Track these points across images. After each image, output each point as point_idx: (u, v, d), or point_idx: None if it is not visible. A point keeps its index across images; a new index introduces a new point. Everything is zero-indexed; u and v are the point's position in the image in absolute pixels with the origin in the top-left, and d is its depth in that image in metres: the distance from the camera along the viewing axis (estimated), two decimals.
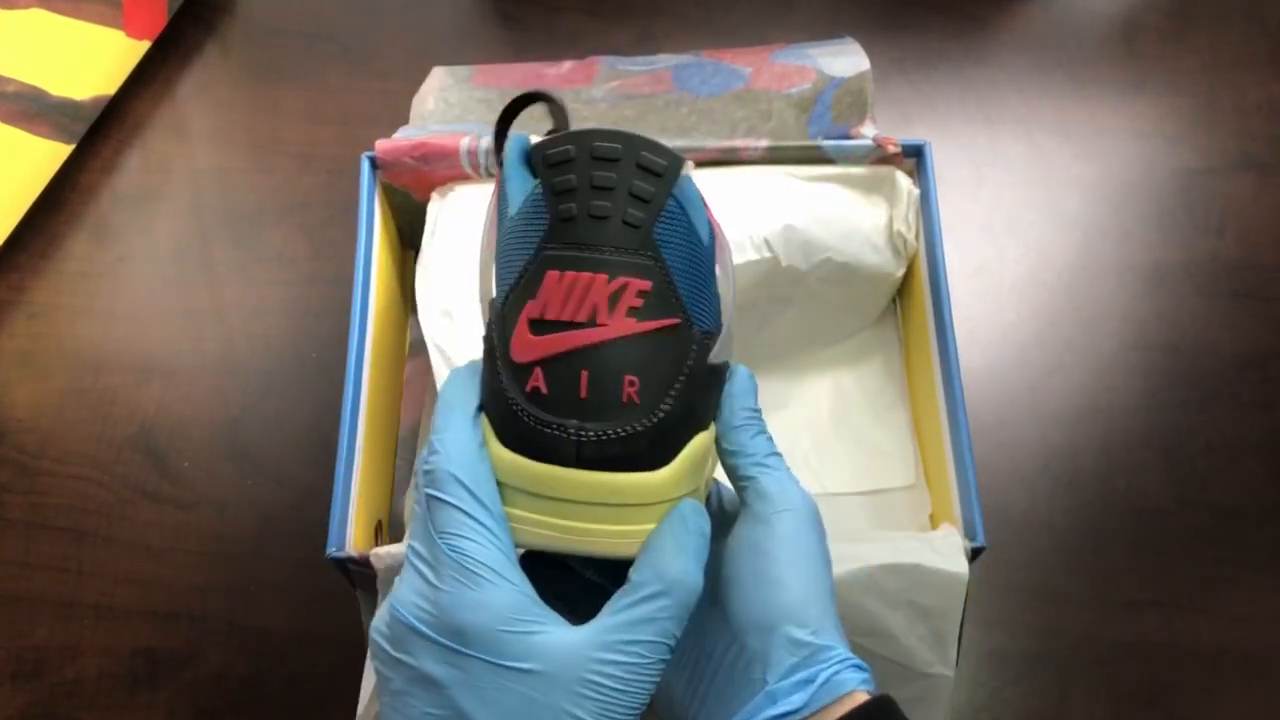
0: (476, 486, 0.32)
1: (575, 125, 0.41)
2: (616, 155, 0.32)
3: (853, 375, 0.59)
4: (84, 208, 0.70)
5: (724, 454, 0.36)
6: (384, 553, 0.45)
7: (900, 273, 0.56)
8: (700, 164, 0.54)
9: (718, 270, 0.35)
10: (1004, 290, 0.65)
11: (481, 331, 0.51)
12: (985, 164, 0.69)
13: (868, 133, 0.55)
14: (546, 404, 0.32)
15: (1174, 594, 0.57)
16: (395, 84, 0.68)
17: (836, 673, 0.33)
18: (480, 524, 0.32)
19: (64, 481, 0.61)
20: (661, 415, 0.32)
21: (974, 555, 0.46)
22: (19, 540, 0.60)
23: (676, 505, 0.33)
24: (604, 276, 0.32)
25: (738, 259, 0.52)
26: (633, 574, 0.33)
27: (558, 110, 0.40)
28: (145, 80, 0.73)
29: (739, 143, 0.54)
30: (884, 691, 0.34)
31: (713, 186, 0.52)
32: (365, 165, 0.55)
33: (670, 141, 0.55)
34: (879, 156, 0.54)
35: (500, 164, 0.41)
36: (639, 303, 0.32)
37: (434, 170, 0.55)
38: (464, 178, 0.56)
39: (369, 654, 0.41)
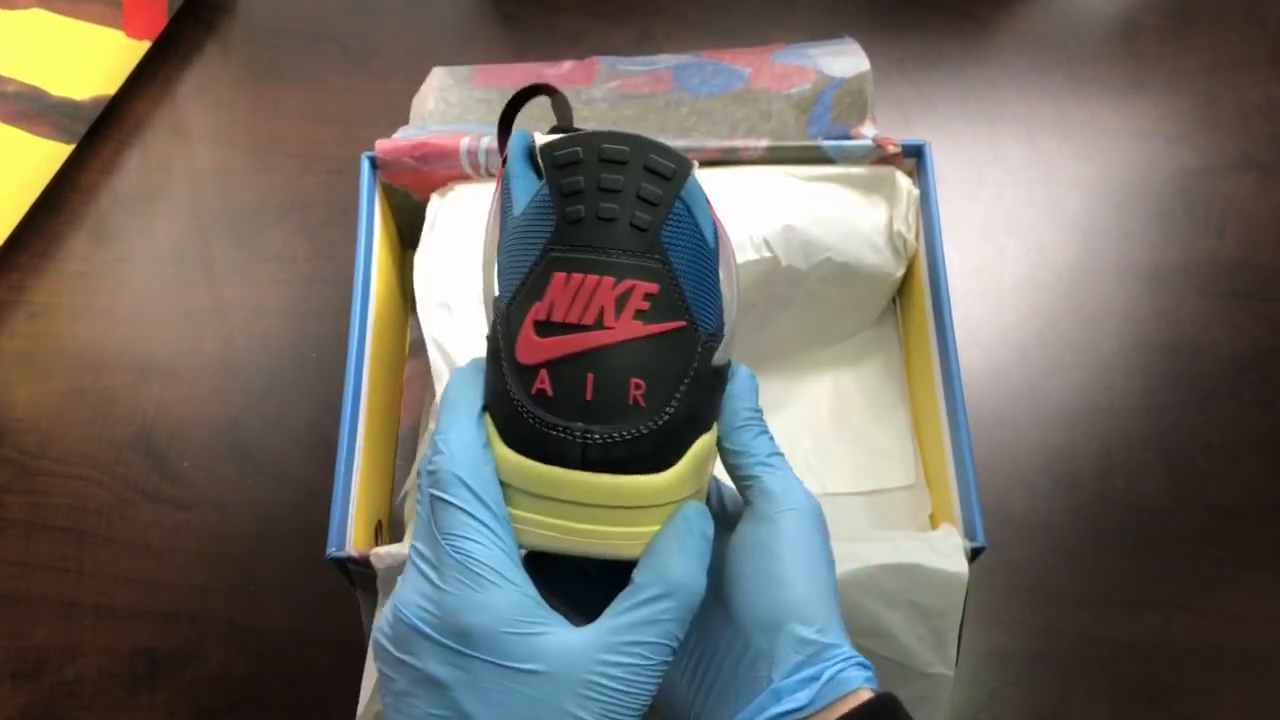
0: (480, 488, 0.32)
1: (575, 125, 0.41)
2: (624, 158, 0.32)
3: (853, 375, 0.59)
4: (84, 208, 0.70)
5: (726, 454, 0.36)
6: (384, 553, 0.45)
7: (900, 273, 0.56)
8: (700, 164, 0.54)
9: (721, 271, 0.35)
10: (1004, 290, 0.65)
11: (481, 326, 0.51)
12: (985, 164, 0.69)
13: (868, 133, 0.55)
14: (552, 406, 0.32)
15: (1174, 594, 0.57)
16: (395, 84, 0.68)
17: (841, 670, 0.33)
18: (484, 525, 0.32)
19: (64, 481, 0.61)
20: (667, 418, 0.32)
21: (974, 555, 0.46)
22: (19, 540, 0.60)
23: (681, 507, 0.33)
24: (611, 279, 0.32)
25: (738, 259, 0.52)
26: (636, 575, 0.33)
27: (561, 105, 0.40)
28: (145, 80, 0.73)
29: (739, 143, 0.54)
30: (886, 690, 0.34)
31: (713, 186, 0.52)
32: (365, 165, 0.55)
33: (670, 141, 0.55)
34: (879, 156, 0.54)
35: (503, 161, 0.41)
36: (645, 306, 0.32)
37: (434, 170, 0.55)
38: (464, 178, 0.56)
39: (370, 654, 0.41)
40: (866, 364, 0.59)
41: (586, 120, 0.58)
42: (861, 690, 0.33)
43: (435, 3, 0.77)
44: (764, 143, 0.54)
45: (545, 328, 0.32)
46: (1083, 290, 0.65)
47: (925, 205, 0.55)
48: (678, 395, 0.33)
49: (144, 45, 0.72)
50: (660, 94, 0.59)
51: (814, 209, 0.54)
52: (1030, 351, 0.63)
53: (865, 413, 0.58)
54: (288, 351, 0.65)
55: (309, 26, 0.76)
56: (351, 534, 0.48)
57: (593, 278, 0.32)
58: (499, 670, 0.31)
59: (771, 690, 0.33)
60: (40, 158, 0.67)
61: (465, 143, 0.54)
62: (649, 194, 0.32)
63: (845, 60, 0.58)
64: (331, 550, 0.47)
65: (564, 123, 0.40)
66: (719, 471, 0.37)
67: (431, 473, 0.33)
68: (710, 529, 0.34)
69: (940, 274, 0.53)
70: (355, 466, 0.50)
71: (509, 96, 0.41)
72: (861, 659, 0.34)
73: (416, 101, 0.61)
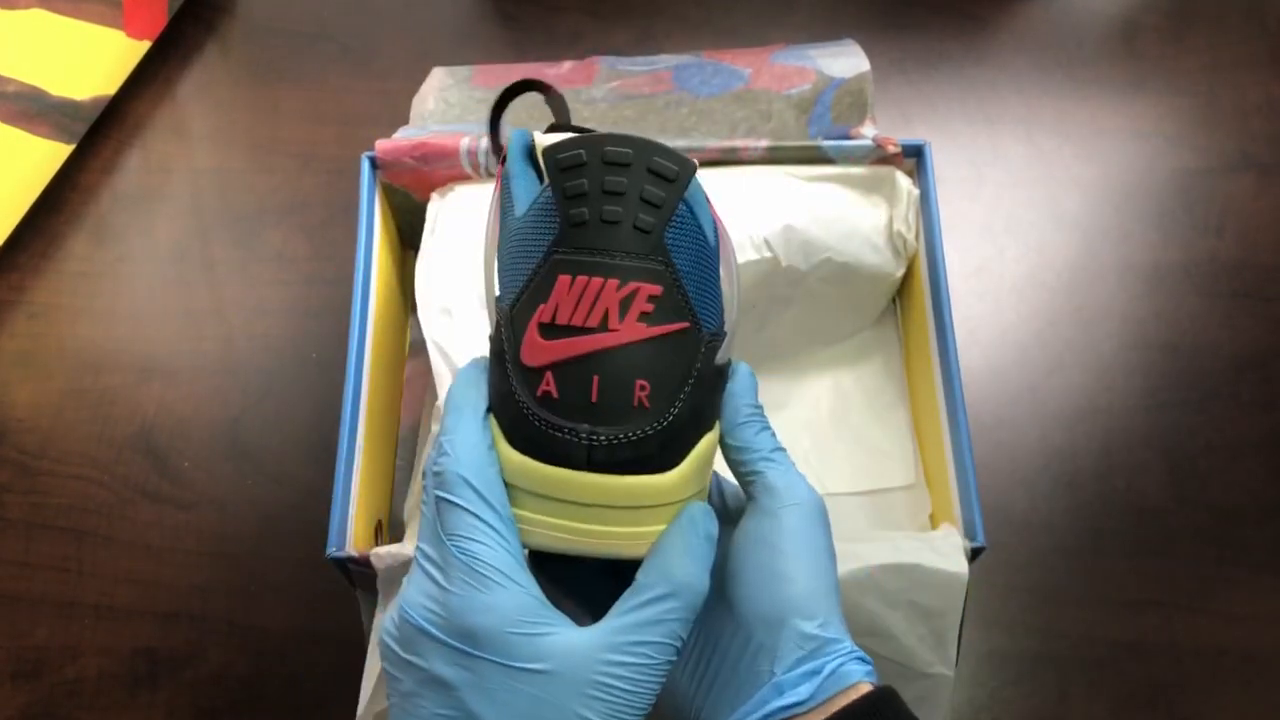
0: (485, 489, 0.32)
1: (576, 124, 0.41)
2: (628, 160, 0.32)
3: (853, 375, 0.59)
4: (84, 208, 0.70)
5: (729, 450, 0.37)
6: (384, 553, 0.45)
7: (900, 273, 0.56)
8: (700, 164, 0.54)
9: (722, 270, 0.35)
10: (1004, 290, 0.65)
11: (482, 329, 0.51)
12: (985, 164, 0.69)
13: (868, 133, 0.55)
14: (557, 408, 0.32)
15: (1174, 594, 0.57)
16: (395, 84, 0.68)
17: (842, 664, 0.34)
18: (489, 526, 0.32)
19: (64, 481, 0.61)
20: (671, 418, 0.33)
21: (974, 555, 0.46)
22: (19, 540, 0.60)
23: (686, 508, 0.34)
24: (615, 281, 0.32)
25: (738, 259, 0.52)
26: (641, 575, 0.33)
27: (557, 103, 0.40)
28: (145, 80, 0.73)
29: (739, 143, 0.54)
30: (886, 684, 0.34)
31: (713, 186, 0.52)
32: (365, 165, 0.55)
33: (670, 142, 0.55)
34: (879, 157, 0.54)
35: (497, 154, 0.41)
36: (650, 308, 0.32)
37: (434, 170, 0.55)
38: (464, 178, 0.56)
39: (379, 655, 0.41)
40: (866, 364, 0.59)
41: (586, 120, 0.58)
42: (861, 684, 0.34)
43: (435, 3, 0.77)
44: (764, 143, 0.54)
45: (550, 330, 0.32)
46: (1083, 290, 0.65)
47: (925, 205, 0.55)
48: (682, 396, 0.33)
49: (144, 45, 0.72)
50: (660, 94, 0.59)
51: (814, 209, 0.54)
52: (1030, 351, 0.63)
53: (865, 413, 0.58)
54: (288, 351, 0.65)
55: (309, 26, 0.76)
56: (351, 534, 0.48)
57: (597, 280, 0.32)
58: (505, 670, 0.31)
59: (773, 684, 0.33)
60: (40, 158, 0.67)
61: (465, 143, 0.54)
62: (652, 196, 0.32)
63: (845, 61, 0.58)
64: (331, 550, 0.47)
65: (562, 120, 0.40)
66: (720, 467, 0.38)
67: (437, 474, 0.33)
68: (715, 529, 0.34)
69: (940, 274, 0.53)
70: (355, 466, 0.50)
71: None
72: (862, 654, 0.34)
73: (416, 101, 0.61)
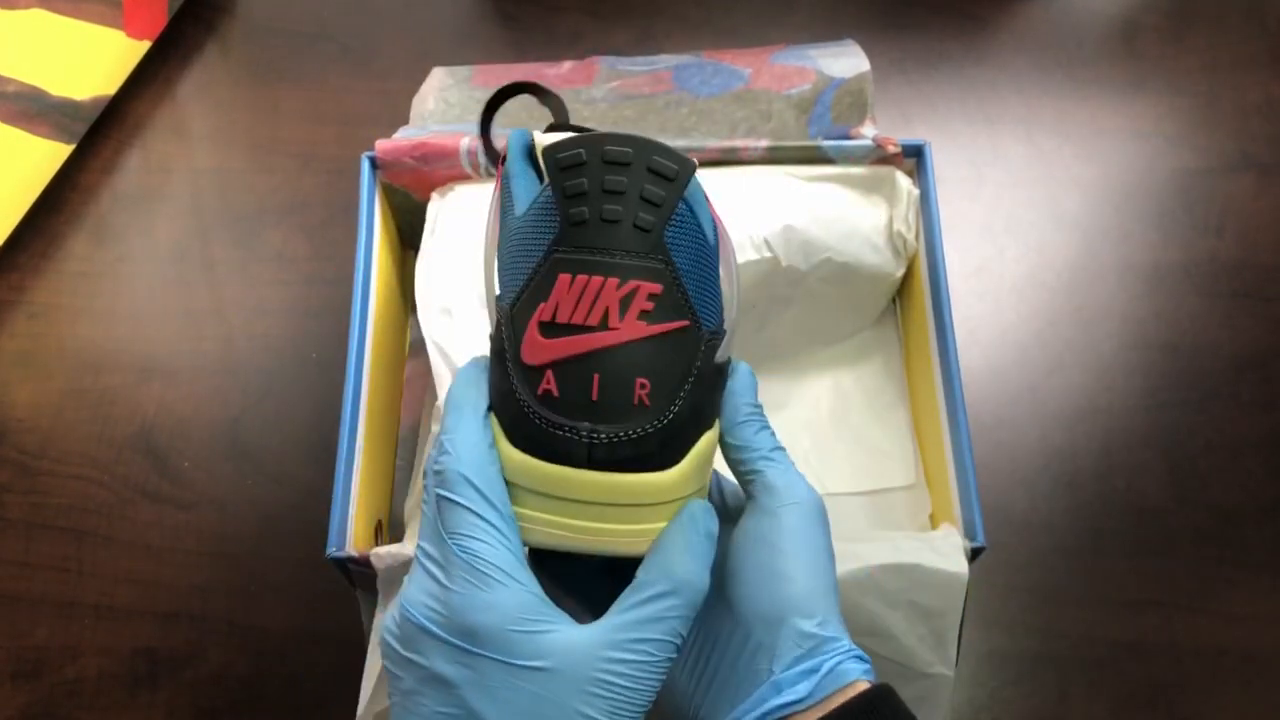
0: (486, 487, 0.33)
1: (576, 124, 0.41)
2: (628, 159, 0.32)
3: (853, 375, 0.59)
4: (84, 208, 0.70)
5: (729, 449, 0.37)
6: (384, 553, 0.45)
7: (900, 273, 0.56)
8: (700, 164, 0.54)
9: (721, 269, 0.35)
10: (1004, 290, 0.65)
11: (481, 328, 0.51)
12: (985, 164, 0.69)
13: (868, 133, 0.55)
14: (558, 406, 0.32)
15: (1174, 594, 0.57)
16: (395, 84, 0.68)
17: (840, 662, 0.34)
18: (490, 525, 0.32)
19: (64, 481, 0.61)
20: (671, 416, 0.33)
21: (974, 555, 0.46)
22: (19, 540, 0.60)
23: (687, 505, 0.34)
24: (615, 280, 0.32)
25: (738, 259, 0.52)
26: (641, 573, 0.33)
27: (555, 103, 0.40)
28: (145, 80, 0.73)
29: (739, 143, 0.54)
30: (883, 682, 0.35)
31: (713, 186, 0.52)
32: (365, 165, 0.55)
33: (670, 141, 0.55)
34: (879, 157, 0.54)
35: (489, 157, 0.41)
36: (650, 306, 0.32)
37: (434, 170, 0.55)
38: (464, 178, 0.56)
39: (379, 654, 0.41)
40: (866, 364, 0.59)
41: (586, 120, 0.58)
42: (859, 682, 0.34)
43: (435, 3, 0.77)
44: (764, 143, 0.54)
45: (550, 329, 0.32)
46: (1083, 290, 0.65)
47: (925, 205, 0.55)
48: (682, 394, 0.33)
49: (144, 45, 0.72)
50: (660, 94, 0.59)
51: (814, 209, 0.54)
52: (1030, 351, 0.63)
53: (865, 413, 0.58)
54: (288, 351, 0.65)
55: (309, 26, 0.76)
56: (351, 534, 0.48)
57: (597, 279, 0.32)
58: (506, 668, 0.31)
59: (772, 682, 0.34)
60: (40, 158, 0.67)
61: (465, 143, 0.54)
62: (652, 195, 0.32)
63: (845, 61, 0.58)
64: (331, 550, 0.47)
65: (560, 119, 0.40)
66: (720, 466, 0.38)
67: (438, 473, 0.33)
68: (715, 527, 0.34)
69: (940, 274, 0.53)
70: (355, 466, 0.50)
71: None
72: (860, 652, 0.35)
73: (416, 101, 0.61)
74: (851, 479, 0.56)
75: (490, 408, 0.35)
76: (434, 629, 0.32)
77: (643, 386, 0.32)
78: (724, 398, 0.36)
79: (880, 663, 0.45)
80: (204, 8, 0.76)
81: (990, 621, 0.57)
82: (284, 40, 0.75)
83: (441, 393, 0.50)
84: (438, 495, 0.33)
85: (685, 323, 0.33)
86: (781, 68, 0.59)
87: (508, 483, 0.33)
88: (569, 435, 0.32)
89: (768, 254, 0.53)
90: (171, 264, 0.68)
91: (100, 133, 0.71)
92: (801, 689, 0.33)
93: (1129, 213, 0.68)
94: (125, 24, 0.70)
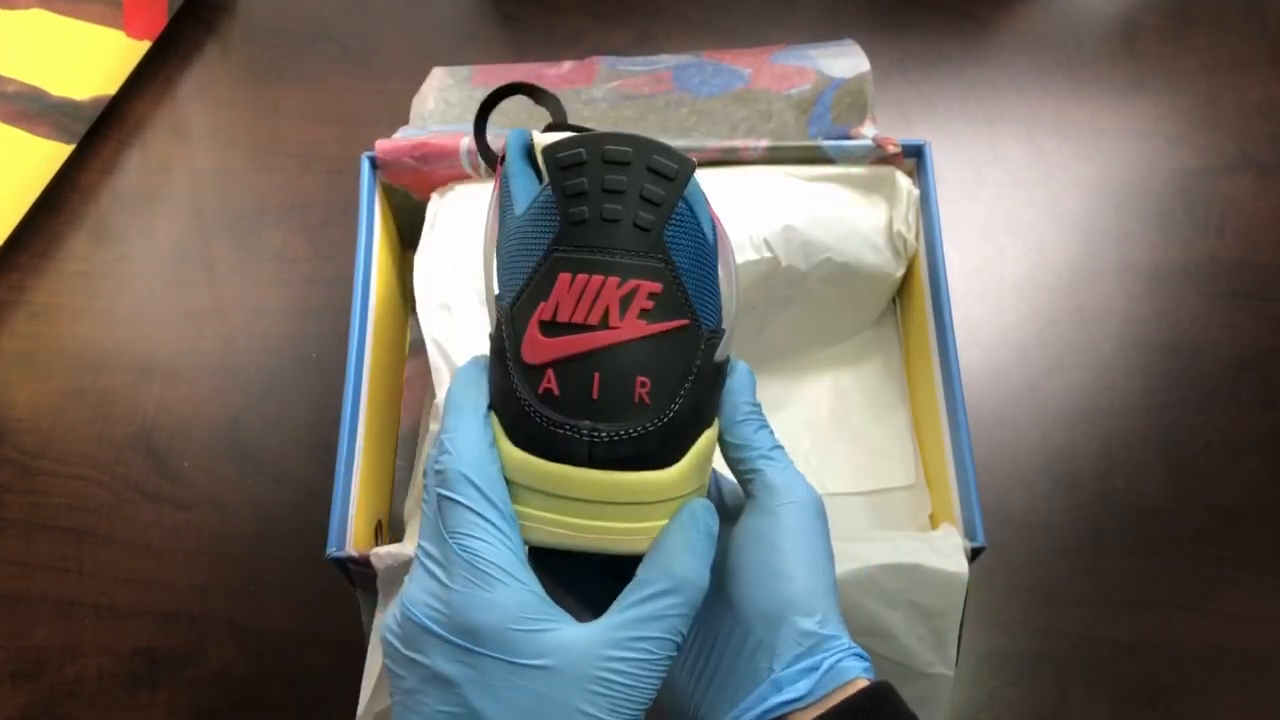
0: (487, 486, 0.33)
1: (575, 124, 0.41)
2: (628, 159, 0.32)
3: (853, 375, 0.59)
4: (84, 208, 0.70)
5: (728, 448, 0.37)
6: (384, 553, 0.45)
7: (900, 273, 0.56)
8: (700, 164, 0.54)
9: (720, 268, 0.35)
10: (1004, 290, 0.65)
11: (480, 326, 0.51)
12: (985, 164, 0.69)
13: (868, 133, 0.55)
14: (559, 405, 0.32)
15: (1174, 594, 0.57)
16: (395, 84, 0.68)
17: (840, 660, 0.34)
18: (491, 524, 0.32)
19: (64, 481, 0.61)
20: (672, 415, 0.33)
21: (974, 555, 0.46)
22: (19, 540, 0.60)
23: (687, 504, 0.34)
24: (615, 279, 0.32)
25: (738, 259, 0.52)
26: (641, 571, 0.33)
27: (552, 103, 0.40)
28: (145, 80, 0.73)
29: (739, 143, 0.54)
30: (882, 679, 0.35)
31: (713, 186, 0.52)
32: (365, 165, 0.55)
33: (670, 142, 0.55)
34: (879, 157, 0.54)
35: (484, 158, 0.41)
36: (650, 305, 0.32)
37: (434, 170, 0.55)
38: (464, 178, 0.56)
39: (380, 653, 0.41)
40: (866, 364, 0.59)
41: (586, 120, 0.58)
42: (859, 679, 0.34)
43: (435, 3, 0.77)
44: (764, 143, 0.54)
45: (551, 328, 0.32)
46: (1083, 290, 0.65)
47: (925, 205, 0.55)
48: (682, 392, 0.33)
49: (144, 45, 0.72)
50: (660, 94, 0.59)
51: (814, 209, 0.54)
52: (1030, 351, 0.63)
53: (865, 413, 0.58)
54: (288, 351, 0.65)
55: (309, 26, 0.76)
56: (351, 534, 0.48)
57: (597, 278, 0.32)
58: (507, 667, 0.31)
59: (772, 680, 0.34)
60: (40, 158, 0.67)
61: (465, 143, 0.54)
62: (652, 194, 0.32)
63: (845, 61, 0.58)
64: (331, 550, 0.47)
65: (558, 119, 0.40)
66: (719, 464, 0.38)
67: (439, 472, 0.33)
68: (716, 525, 0.34)
69: (940, 274, 0.53)
70: (355, 466, 0.50)
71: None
72: (859, 650, 0.35)
73: (416, 101, 0.61)
74: (851, 479, 0.56)
75: (491, 407, 0.35)
76: (435, 628, 0.32)
77: (643, 385, 0.32)
78: (723, 396, 0.37)
79: (880, 663, 0.45)
80: (204, 8, 0.76)
81: (990, 621, 0.57)
82: (284, 40, 0.75)
83: (440, 389, 0.50)
84: (438, 495, 0.33)
85: (685, 321, 0.33)
86: (781, 68, 0.59)
87: (508, 481, 0.33)
88: (570, 434, 0.32)
89: (767, 254, 0.53)
90: (171, 264, 0.68)
91: (100, 133, 0.71)
92: (801, 686, 0.33)
93: (1129, 213, 0.68)
94: (125, 24, 0.70)
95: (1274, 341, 0.64)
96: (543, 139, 0.37)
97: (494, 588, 0.31)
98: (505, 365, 0.34)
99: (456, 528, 0.32)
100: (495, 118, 0.42)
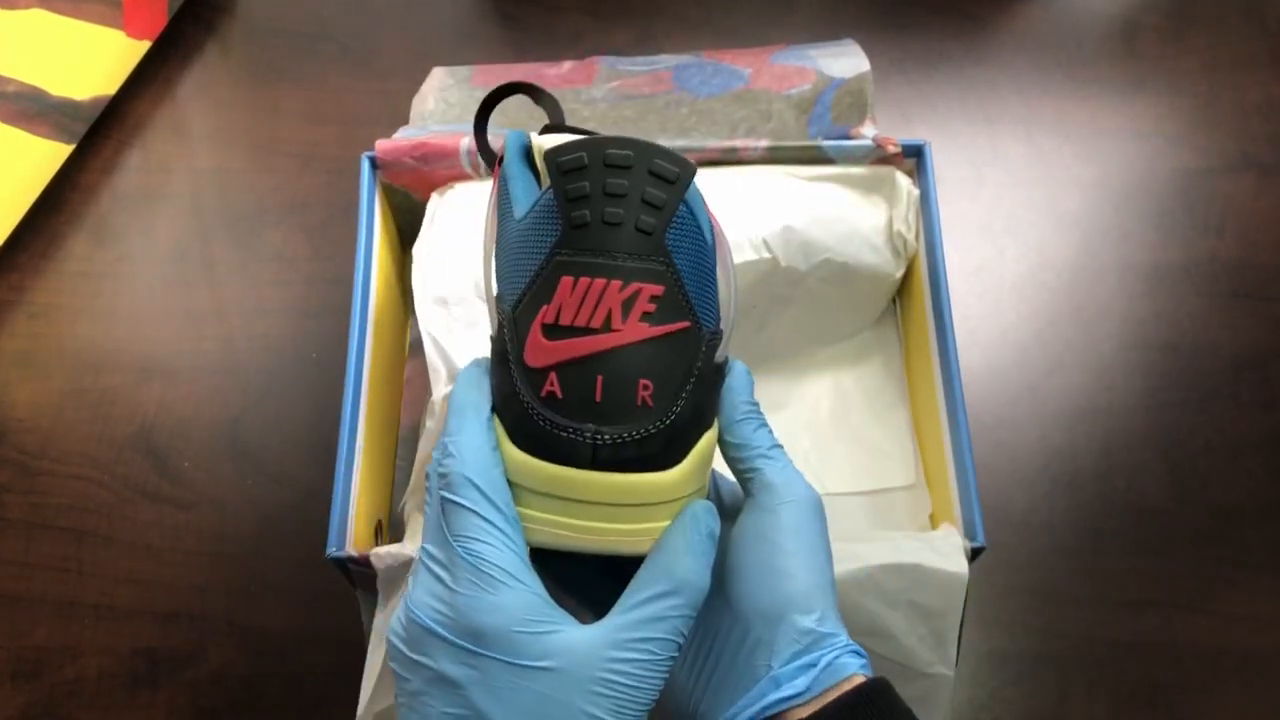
0: (491, 490, 0.33)
1: (573, 124, 0.41)
2: (629, 163, 0.33)
3: (853, 375, 0.59)
4: (84, 208, 0.70)
5: (728, 447, 0.37)
6: (384, 553, 0.45)
7: (900, 273, 0.56)
8: (700, 164, 0.54)
9: (719, 269, 0.35)
10: (1004, 290, 0.65)
11: (477, 319, 0.51)
12: (985, 164, 0.69)
13: (868, 133, 0.55)
14: (561, 408, 0.33)
15: (1174, 594, 0.57)
16: (395, 84, 0.68)
17: (838, 657, 0.34)
18: (495, 527, 0.33)
19: (64, 481, 0.61)
20: (674, 416, 0.33)
21: (974, 555, 0.46)
22: (19, 540, 0.60)
23: (689, 505, 0.34)
24: (618, 282, 0.32)
25: (737, 259, 0.52)
26: (643, 572, 0.33)
27: (550, 103, 0.40)
28: (145, 80, 0.73)
29: (739, 143, 0.54)
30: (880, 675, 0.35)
31: (712, 186, 0.52)
32: (365, 165, 0.55)
33: (670, 141, 0.55)
34: (879, 157, 0.54)
35: (484, 158, 0.41)
36: (652, 308, 0.33)
37: (434, 170, 0.55)
38: (464, 177, 0.56)
39: (383, 655, 0.41)
40: (866, 364, 0.59)
41: (586, 120, 0.58)
42: (856, 676, 0.34)
43: (435, 3, 0.77)
44: (764, 143, 0.54)
45: (553, 331, 0.33)
46: (1083, 290, 0.65)
47: (925, 205, 0.55)
48: (684, 394, 0.33)
49: (144, 45, 0.72)
50: (660, 94, 0.59)
51: (813, 209, 0.54)
52: (1030, 351, 0.63)
53: (865, 413, 0.58)
54: (288, 351, 0.65)
55: (309, 26, 0.76)
56: (351, 534, 0.48)
57: (600, 281, 0.32)
58: (512, 669, 0.31)
59: (771, 677, 0.34)
60: (40, 158, 0.67)
61: (465, 143, 0.54)
62: (653, 198, 0.33)
63: (845, 61, 0.58)
64: (331, 550, 0.47)
65: (556, 120, 0.40)
66: (718, 464, 0.38)
67: (442, 475, 0.33)
68: (717, 527, 0.35)
69: (940, 274, 0.53)
70: (355, 466, 0.50)
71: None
72: (857, 647, 0.35)
73: (416, 101, 0.61)
74: (851, 479, 0.56)
75: (493, 409, 0.35)
76: (440, 631, 0.32)
77: (645, 387, 0.33)
78: (722, 396, 0.37)
79: (880, 662, 0.45)
80: (204, 8, 0.76)
81: (990, 621, 0.57)
82: (284, 40, 0.75)
83: (436, 386, 0.50)
84: (442, 498, 0.33)
85: (686, 324, 0.33)
86: (781, 68, 0.59)
87: (510, 484, 0.34)
88: (573, 436, 0.32)
89: (767, 254, 0.53)
90: (171, 264, 0.68)
91: (100, 133, 0.71)
92: (800, 683, 0.34)
93: (1129, 213, 0.68)
94: (125, 24, 0.70)
95: (1274, 341, 0.64)
96: (541, 141, 0.37)
97: (498, 590, 0.32)
98: (508, 368, 0.34)
99: (460, 531, 0.32)
100: (495, 117, 0.42)
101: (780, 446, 0.37)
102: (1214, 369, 0.63)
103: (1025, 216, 0.68)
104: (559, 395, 0.33)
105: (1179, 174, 0.69)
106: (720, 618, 0.36)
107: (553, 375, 0.33)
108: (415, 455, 0.57)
